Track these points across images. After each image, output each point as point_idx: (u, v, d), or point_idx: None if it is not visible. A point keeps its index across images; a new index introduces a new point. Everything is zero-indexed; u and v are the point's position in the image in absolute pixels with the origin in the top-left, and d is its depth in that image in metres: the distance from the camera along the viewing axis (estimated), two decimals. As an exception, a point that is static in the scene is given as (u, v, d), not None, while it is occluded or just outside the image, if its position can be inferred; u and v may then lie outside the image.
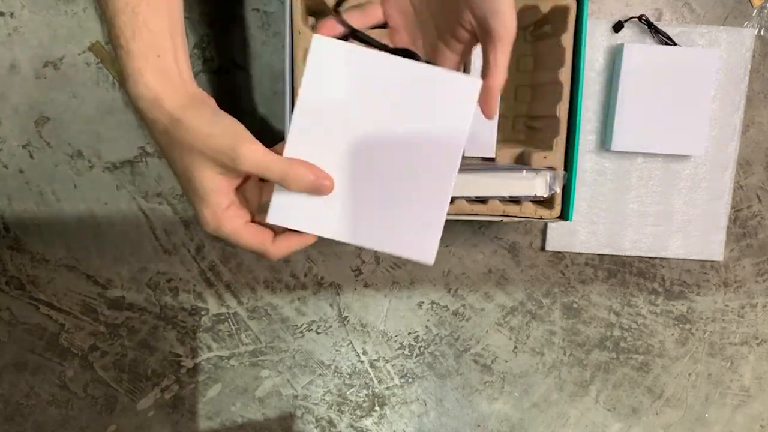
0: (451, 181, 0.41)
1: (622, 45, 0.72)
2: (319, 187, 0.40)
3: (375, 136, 0.41)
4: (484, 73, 0.42)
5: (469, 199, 0.65)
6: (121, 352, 0.79)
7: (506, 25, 0.40)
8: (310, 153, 0.41)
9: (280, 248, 0.42)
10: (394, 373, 0.81)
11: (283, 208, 0.41)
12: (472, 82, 0.40)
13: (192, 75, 0.43)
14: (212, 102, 0.42)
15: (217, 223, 0.41)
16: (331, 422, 0.82)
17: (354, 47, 0.40)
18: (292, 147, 0.41)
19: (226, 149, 0.38)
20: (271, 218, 0.41)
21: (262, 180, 0.43)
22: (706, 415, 0.84)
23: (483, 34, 0.42)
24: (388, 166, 0.41)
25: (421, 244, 0.42)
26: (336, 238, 0.42)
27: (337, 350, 0.80)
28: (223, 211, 0.41)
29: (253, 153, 0.38)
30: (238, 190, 0.42)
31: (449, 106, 0.40)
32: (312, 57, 0.40)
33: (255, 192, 0.43)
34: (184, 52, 0.42)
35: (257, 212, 0.43)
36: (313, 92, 0.40)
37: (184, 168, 0.40)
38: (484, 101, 0.41)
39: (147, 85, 0.39)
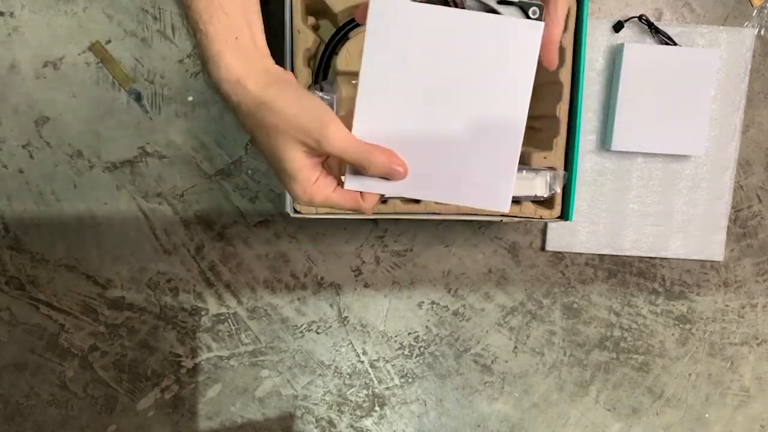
0: (521, 128, 0.42)
1: (622, 45, 0.72)
2: (392, 173, 0.42)
3: (441, 93, 0.41)
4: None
5: (469, 199, 0.65)
6: (121, 352, 0.79)
7: None
8: (379, 121, 0.41)
9: (369, 203, 0.45)
10: (394, 373, 0.81)
11: (358, 176, 0.43)
12: (535, 26, 0.40)
13: (269, 52, 0.43)
14: (292, 78, 0.43)
15: (309, 196, 0.43)
16: (331, 422, 0.82)
17: (412, 3, 0.40)
18: (361, 118, 0.41)
19: (312, 131, 0.39)
20: (348, 186, 0.43)
21: None
22: (707, 416, 0.84)
23: None
24: (456, 120, 0.42)
25: (496, 194, 0.43)
26: (412, 196, 0.44)
27: (337, 350, 0.80)
28: (312, 185, 0.42)
29: (337, 138, 0.39)
30: (324, 163, 0.44)
31: (513, 52, 0.40)
32: (371, 20, 0.40)
33: (336, 161, 0.45)
34: (261, 30, 0.43)
35: (340, 180, 0.45)
36: (376, 57, 0.40)
37: (270, 148, 0.41)
38: (544, 51, 0.41)
39: (228, 67, 0.40)
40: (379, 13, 0.40)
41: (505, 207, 0.43)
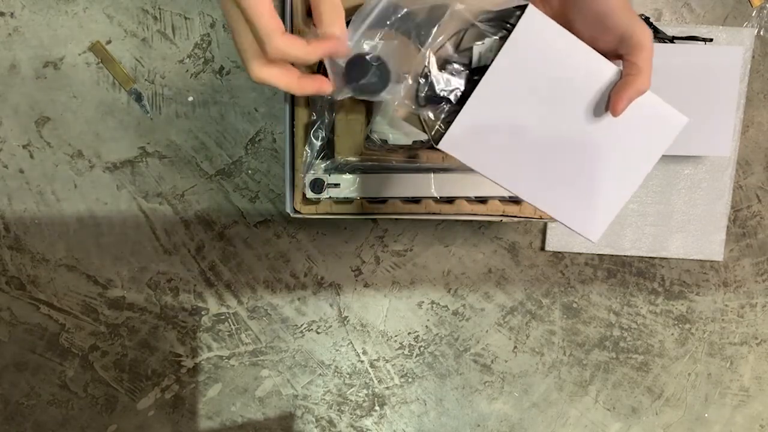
0: (642, 177, 0.43)
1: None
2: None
3: (562, 114, 0.42)
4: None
5: (469, 199, 0.65)
6: (121, 352, 0.79)
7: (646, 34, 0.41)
8: (493, 109, 0.42)
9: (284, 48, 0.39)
10: (394, 373, 0.81)
11: (457, 139, 0.42)
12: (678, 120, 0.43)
13: None
14: None
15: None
16: (331, 422, 0.82)
17: (562, 29, 0.41)
18: (475, 101, 0.42)
19: None
20: (443, 145, 0.43)
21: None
22: (706, 415, 0.84)
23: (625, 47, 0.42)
24: (580, 142, 0.42)
25: (593, 223, 0.44)
26: (506, 187, 0.44)
27: (337, 350, 0.80)
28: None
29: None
30: None
31: (652, 124, 0.43)
32: (520, 26, 0.40)
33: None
34: None
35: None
36: (510, 58, 0.41)
37: None
38: (617, 99, 0.41)
39: None
40: (529, 24, 0.40)
41: (595, 238, 0.44)
